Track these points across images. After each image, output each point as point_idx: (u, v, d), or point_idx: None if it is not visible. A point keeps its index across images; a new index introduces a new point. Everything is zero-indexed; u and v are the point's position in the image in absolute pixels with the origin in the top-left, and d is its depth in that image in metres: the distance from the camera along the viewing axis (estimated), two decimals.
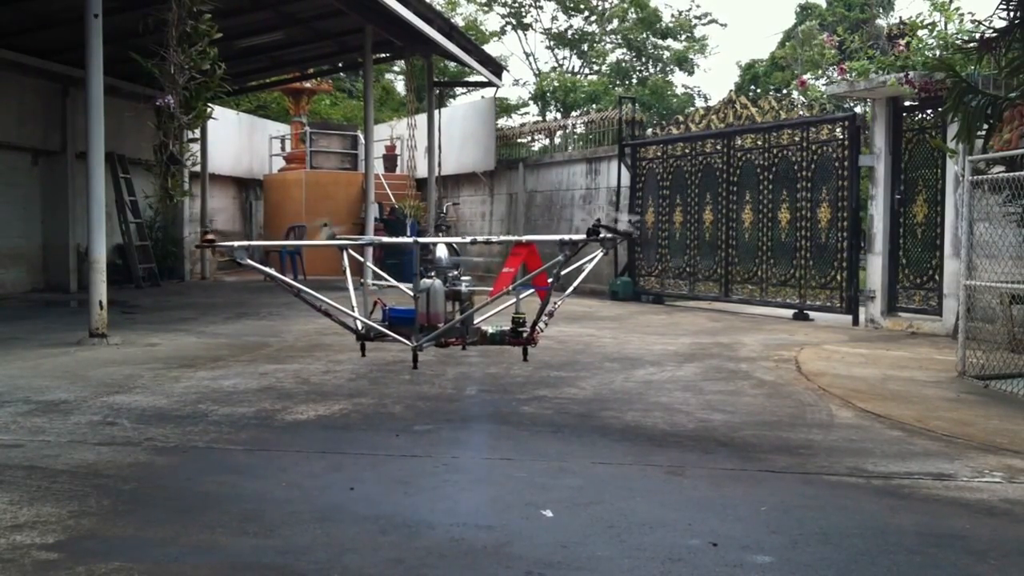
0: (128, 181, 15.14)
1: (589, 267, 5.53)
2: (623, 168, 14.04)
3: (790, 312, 11.10)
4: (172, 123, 8.38)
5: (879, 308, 9.94)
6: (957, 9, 9.08)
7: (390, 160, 19.81)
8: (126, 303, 11.58)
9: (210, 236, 5.42)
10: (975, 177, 6.59)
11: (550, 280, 5.23)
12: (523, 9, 29.83)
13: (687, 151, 12.94)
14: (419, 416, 5.21)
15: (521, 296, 5.36)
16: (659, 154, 13.45)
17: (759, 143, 11.71)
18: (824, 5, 26.61)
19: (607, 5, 29.48)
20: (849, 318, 10.36)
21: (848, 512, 3.51)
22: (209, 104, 9.06)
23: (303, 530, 3.23)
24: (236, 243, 5.24)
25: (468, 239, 6.07)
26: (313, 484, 3.83)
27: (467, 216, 18.55)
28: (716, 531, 3.25)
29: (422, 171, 18.12)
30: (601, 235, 4.97)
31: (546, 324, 5.39)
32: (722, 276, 12.30)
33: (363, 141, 16.08)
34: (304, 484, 3.83)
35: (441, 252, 5.49)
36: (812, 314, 10.88)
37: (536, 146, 18.34)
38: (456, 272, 5.42)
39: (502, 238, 5.74)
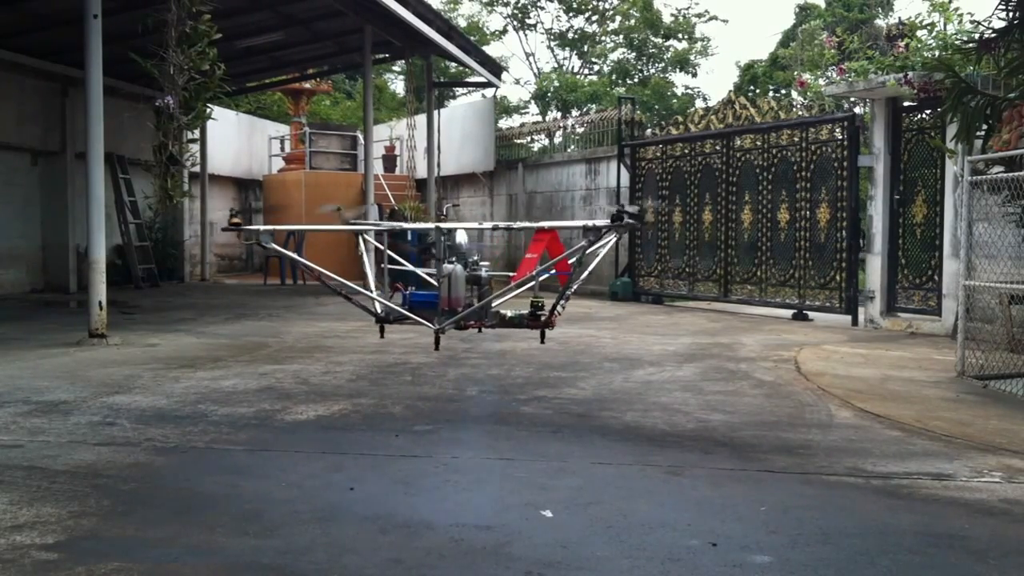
0: (128, 182, 15.15)
1: (603, 252, 5.58)
2: (622, 168, 14.04)
3: (789, 312, 11.10)
4: (172, 123, 8.39)
5: (878, 308, 9.94)
6: (956, 9, 9.10)
7: (389, 161, 19.81)
8: (126, 304, 11.58)
9: (236, 220, 5.39)
10: (974, 177, 6.59)
11: (571, 262, 5.37)
12: (527, 8, 29.81)
13: (686, 151, 12.95)
14: (419, 416, 5.21)
15: (542, 278, 5.47)
16: (658, 154, 13.46)
17: (758, 143, 11.71)
18: (823, 5, 26.60)
19: (607, 5, 29.48)
20: (848, 318, 10.36)
21: (847, 512, 3.52)
22: (208, 105, 9.06)
23: (303, 530, 3.23)
24: (261, 227, 5.37)
25: (489, 224, 6.10)
26: (313, 484, 3.83)
27: (467, 217, 18.55)
28: (716, 531, 3.26)
29: (422, 172, 18.12)
30: (624, 221, 5.09)
31: (563, 307, 5.50)
32: (721, 276, 12.30)
33: (362, 142, 16.08)
34: (304, 484, 3.83)
35: (461, 238, 5.56)
36: (811, 314, 10.88)
37: (536, 146, 18.34)
38: (476, 257, 5.55)
39: (524, 224, 5.86)
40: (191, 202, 17.16)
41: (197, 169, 16.68)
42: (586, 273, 5.73)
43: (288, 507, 3.49)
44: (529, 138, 18.25)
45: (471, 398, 5.81)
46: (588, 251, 5.28)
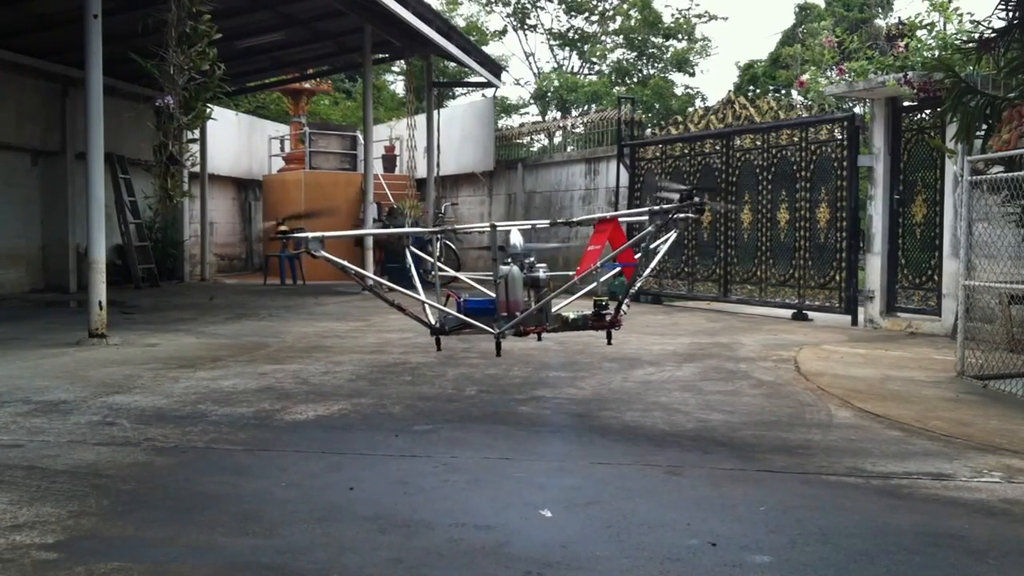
0: (128, 182, 15.16)
1: (664, 247, 5.16)
2: (622, 168, 14.04)
3: (789, 312, 11.10)
4: (172, 123, 8.40)
5: (878, 308, 9.94)
6: (956, 9, 9.09)
7: (389, 160, 19.83)
8: (125, 303, 11.58)
9: (283, 227, 4.99)
10: (974, 177, 6.59)
11: (637, 255, 5.03)
12: (527, 9, 29.79)
13: (686, 151, 12.95)
14: (418, 416, 5.21)
15: (607, 275, 5.10)
16: (658, 154, 13.46)
17: (758, 143, 11.71)
18: (823, 5, 26.59)
19: (607, 5, 29.47)
20: (848, 318, 10.36)
21: (847, 512, 3.52)
22: (208, 104, 9.07)
23: (302, 530, 3.23)
24: (311, 234, 4.96)
25: (547, 221, 5.63)
26: (312, 484, 3.83)
27: (466, 216, 18.56)
28: (715, 531, 3.26)
29: (421, 171, 18.13)
30: (698, 200, 4.59)
31: (628, 305, 5.12)
32: (721, 276, 12.30)
33: (362, 141, 16.09)
34: (303, 484, 3.83)
35: (516, 239, 5.21)
36: (811, 314, 10.88)
37: (535, 146, 18.36)
38: (532, 259, 5.19)
39: (584, 218, 5.47)
40: (191, 202, 17.16)
41: (197, 169, 16.68)
42: (654, 263, 5.30)
43: (288, 507, 3.49)
44: (529, 138, 18.27)
45: (470, 398, 5.81)
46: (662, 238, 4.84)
